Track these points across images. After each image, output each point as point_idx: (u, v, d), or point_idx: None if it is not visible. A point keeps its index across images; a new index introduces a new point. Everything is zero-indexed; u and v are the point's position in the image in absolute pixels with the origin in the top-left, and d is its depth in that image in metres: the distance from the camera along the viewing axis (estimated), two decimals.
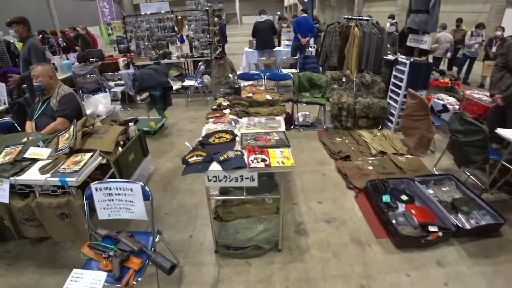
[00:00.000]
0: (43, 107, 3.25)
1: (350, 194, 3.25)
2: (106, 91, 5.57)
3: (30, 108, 3.58)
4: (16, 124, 3.65)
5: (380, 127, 4.75)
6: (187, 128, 5.08)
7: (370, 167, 3.61)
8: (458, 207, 3.04)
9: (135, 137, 3.34)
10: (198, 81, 6.17)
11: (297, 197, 3.19)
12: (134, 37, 7.01)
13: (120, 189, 1.89)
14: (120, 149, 2.95)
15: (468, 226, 2.81)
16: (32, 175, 2.25)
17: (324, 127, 4.73)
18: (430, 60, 6.48)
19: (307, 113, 4.93)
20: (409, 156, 3.97)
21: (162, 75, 4.51)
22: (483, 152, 3.14)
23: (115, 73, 6.40)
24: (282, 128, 2.62)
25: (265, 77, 5.11)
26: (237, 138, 2.38)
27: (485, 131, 3.04)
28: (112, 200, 1.92)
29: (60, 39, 9.91)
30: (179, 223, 2.89)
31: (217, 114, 2.85)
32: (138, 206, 1.90)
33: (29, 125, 3.27)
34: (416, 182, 3.25)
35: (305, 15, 7.44)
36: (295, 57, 7.10)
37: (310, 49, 8.25)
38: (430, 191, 3.31)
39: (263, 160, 2.02)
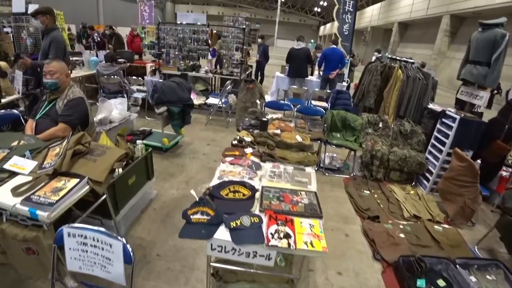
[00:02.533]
0: (48, 108, 2.95)
1: (376, 267, 2.72)
2: (124, 96, 5.28)
3: (36, 104, 3.31)
4: (22, 118, 3.38)
5: (413, 183, 4.22)
6: (202, 150, 4.69)
7: (402, 235, 3.08)
8: None
9: (140, 157, 2.96)
10: (223, 100, 5.83)
11: (314, 261, 2.68)
12: (166, 45, 6.81)
13: (98, 241, 1.47)
14: (120, 170, 2.58)
15: None
16: (2, 194, 1.87)
17: (352, 174, 4.23)
18: None
19: (334, 155, 4.46)
20: (447, 226, 3.41)
21: (185, 91, 4.17)
22: None
23: (139, 78, 6.16)
24: (314, 186, 2.17)
25: (295, 109, 4.69)
26: (257, 195, 1.92)
27: None
28: (87, 251, 1.51)
29: (96, 34, 9.96)
30: (171, 271, 2.43)
31: (237, 153, 2.43)
32: (116, 266, 1.47)
33: (30, 125, 2.97)
34: (457, 266, 2.70)
35: (334, 46, 7.08)
36: (328, 91, 6.70)
37: (344, 83, 7.85)
38: (473, 278, 2.74)
39: (287, 236, 1.57)
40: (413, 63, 5.53)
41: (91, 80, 6.71)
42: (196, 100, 6.89)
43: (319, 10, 42.27)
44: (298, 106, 4.74)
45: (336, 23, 8.48)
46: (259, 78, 9.96)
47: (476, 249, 3.21)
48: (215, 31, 7.69)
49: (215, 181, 2.06)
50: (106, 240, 1.46)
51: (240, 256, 1.60)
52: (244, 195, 1.84)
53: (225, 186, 1.89)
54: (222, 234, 1.58)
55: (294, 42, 7.13)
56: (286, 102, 5.58)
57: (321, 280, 2.51)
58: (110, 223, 2.62)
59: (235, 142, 2.64)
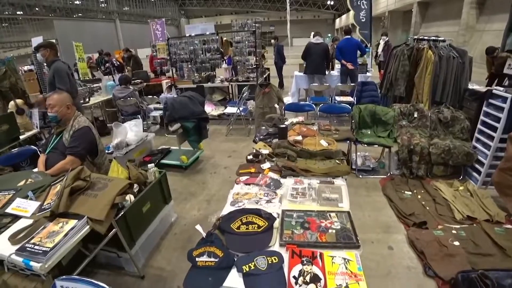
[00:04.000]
0: (56, 141, 2.87)
1: (429, 286, 2.31)
2: (139, 117, 5.18)
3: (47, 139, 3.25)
4: (39, 152, 3.33)
5: (461, 177, 3.70)
6: (223, 164, 4.43)
7: (456, 242, 2.61)
8: None
9: (153, 182, 2.75)
10: (241, 108, 5.57)
11: None
12: (177, 59, 6.70)
13: None
14: (129, 199, 2.37)
15: None
16: (1, 242, 1.72)
17: (389, 174, 3.78)
18: None
19: (367, 154, 4.03)
20: (510, 227, 2.90)
21: (197, 104, 3.94)
22: None
23: (154, 96, 6.07)
24: (346, 203, 1.81)
25: (318, 108, 4.32)
26: (276, 223, 1.59)
27: None
28: None
29: (114, 59, 10.16)
30: None
31: (253, 170, 2.13)
32: None
33: (41, 160, 2.90)
34: None
35: (348, 36, 6.61)
36: (351, 84, 6.25)
37: (368, 73, 7.33)
38: None
39: (315, 279, 1.24)
40: (444, 40, 4.98)
41: (111, 104, 6.73)
42: (215, 111, 6.70)
43: (332, 3, 41.38)
44: (321, 105, 4.36)
45: (351, 12, 8.01)
46: (278, 80, 9.65)
47: None
48: (225, 39, 7.49)
49: (227, 208, 1.77)
50: None
51: None
52: (259, 227, 1.52)
53: (237, 218, 1.59)
54: (234, 280, 1.28)
55: (312, 39, 6.76)
56: (307, 102, 5.22)
57: None
58: (126, 255, 2.43)
59: (250, 157, 2.35)
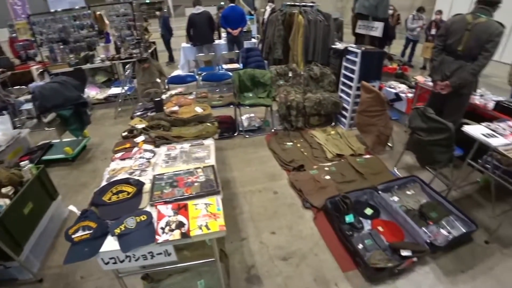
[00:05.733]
0: None
1: (308, 216, 2.75)
2: (4, 113, 4.53)
3: None
4: None
5: (333, 123, 4.32)
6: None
7: (328, 177, 3.14)
8: (427, 215, 2.68)
9: (31, 180, 2.55)
10: (127, 87, 5.32)
11: (246, 229, 2.62)
12: (46, 40, 5.92)
13: None
14: (4, 203, 2.19)
15: (441, 239, 2.46)
16: None
17: (273, 130, 4.18)
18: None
19: (252, 115, 4.35)
20: (368, 156, 3.58)
21: (71, 89, 3.63)
22: (448, 151, 2.80)
23: (23, 86, 5.34)
24: (212, 159, 2.01)
25: (201, 78, 4.42)
26: (147, 187, 1.72)
27: (451, 129, 2.68)
28: None
29: None
30: None
31: (128, 145, 2.16)
32: None
33: None
34: (379, 192, 2.84)
35: (232, 4, 6.79)
36: (236, 51, 6.47)
37: (253, 40, 7.65)
38: (395, 198, 2.92)
39: (180, 225, 1.41)
40: (312, 6, 5.48)
41: None
42: (100, 94, 6.25)
43: None
44: (203, 75, 4.48)
45: None
46: (168, 54, 9.32)
47: (396, 170, 3.42)
48: (99, 13, 6.82)
49: (103, 185, 1.80)
50: None
51: (138, 261, 1.43)
52: (129, 193, 1.63)
53: (107, 190, 1.66)
54: (111, 244, 1.38)
55: (193, 9, 6.65)
56: (191, 73, 5.24)
57: (256, 245, 2.47)
58: (16, 263, 2.26)
59: (125, 133, 2.37)
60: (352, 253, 2.33)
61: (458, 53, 2.94)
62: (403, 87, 4.70)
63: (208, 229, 1.41)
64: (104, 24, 6.92)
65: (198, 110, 2.57)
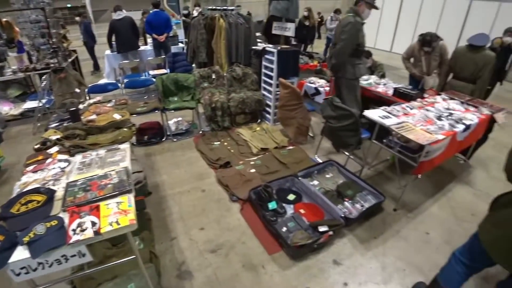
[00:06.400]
0: None
1: (235, 209, 2.86)
2: None
3: None
4: None
5: (259, 120, 4.52)
6: None
7: (253, 170, 3.29)
8: (343, 193, 2.96)
9: None
10: (44, 100, 4.96)
11: (175, 229, 2.64)
12: None
13: None
14: None
15: (355, 212, 2.74)
16: None
17: (201, 131, 4.24)
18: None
19: (180, 119, 4.36)
20: (291, 147, 3.82)
21: None
22: (356, 134, 3.12)
23: None
24: (127, 161, 2.02)
25: (123, 86, 4.32)
26: (59, 194, 1.68)
27: (355, 114, 3.00)
28: None
29: None
30: None
31: (40, 157, 2.07)
32: None
33: None
34: (299, 178, 3.06)
35: (156, 9, 6.75)
36: (163, 56, 6.41)
37: (181, 44, 7.64)
38: (316, 182, 3.17)
39: (91, 225, 1.42)
40: (232, 10, 5.65)
41: None
42: (14, 109, 5.73)
43: None
44: (125, 82, 4.38)
45: None
46: (93, 62, 8.81)
47: (317, 157, 3.70)
48: (5, 19, 6.21)
49: None
50: None
51: (52, 267, 1.40)
52: (38, 202, 1.58)
53: (15, 202, 1.59)
54: (21, 254, 1.34)
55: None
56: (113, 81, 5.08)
57: (186, 242, 2.51)
58: None
59: (37, 146, 2.26)
60: (276, 236, 2.48)
61: (335, 45, 3.59)
62: (322, 81, 5.07)
63: (118, 224, 1.44)
64: (14, 32, 6.33)
65: (117, 116, 2.54)
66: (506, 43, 4.76)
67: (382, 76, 5.10)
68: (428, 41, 4.17)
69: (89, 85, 4.07)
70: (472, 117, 3.21)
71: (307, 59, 6.40)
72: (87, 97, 3.92)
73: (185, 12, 9.89)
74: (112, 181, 1.73)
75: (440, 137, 2.72)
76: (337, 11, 8.67)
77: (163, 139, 4.04)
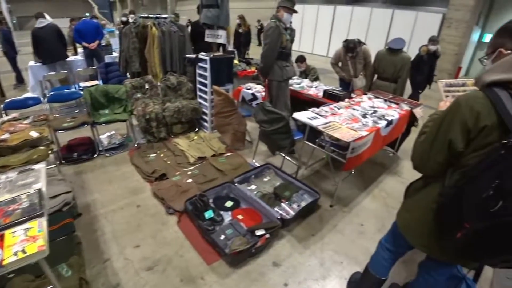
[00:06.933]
0: None
1: (172, 222, 2.79)
2: None
3: None
4: None
5: (197, 129, 4.47)
6: None
7: (190, 180, 3.24)
8: (280, 195, 3.04)
9: None
10: None
11: (108, 250, 2.50)
12: None
13: None
14: None
15: (292, 212, 2.82)
16: None
17: (136, 144, 4.07)
18: None
19: (113, 132, 4.15)
20: (229, 154, 3.83)
21: None
22: (288, 137, 3.22)
23: None
24: (41, 183, 1.87)
25: (46, 100, 4.00)
26: None
27: (285, 117, 3.10)
28: None
29: None
30: None
31: None
32: None
33: None
34: (236, 184, 3.07)
35: (85, 18, 6.43)
36: (94, 67, 6.08)
37: (115, 53, 7.30)
38: (253, 186, 3.22)
39: None
40: (165, 18, 5.54)
41: None
42: None
43: None
44: (49, 95, 4.07)
45: None
46: (15, 74, 7.94)
47: (254, 162, 3.75)
48: None
49: None
50: None
51: None
52: None
53: None
54: None
55: (36, 23, 5.90)
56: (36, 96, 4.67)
57: (120, 263, 2.39)
58: None
59: None
60: (214, 245, 2.46)
61: None
62: (258, 87, 5.17)
63: (25, 253, 1.33)
64: None
65: (34, 134, 2.35)
66: (431, 51, 5.23)
67: (316, 79, 5.36)
68: (351, 48, 4.49)
69: (6, 101, 3.69)
70: (394, 113, 3.50)
71: (244, 65, 6.48)
72: (3, 114, 3.56)
73: (124, 19, 9.53)
74: (21, 206, 1.59)
75: (364, 133, 2.92)
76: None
77: (95, 155, 3.81)
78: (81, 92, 4.06)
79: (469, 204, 1.13)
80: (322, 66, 9.54)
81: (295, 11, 3.68)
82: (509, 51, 1.18)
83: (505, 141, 1.04)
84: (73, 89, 4.92)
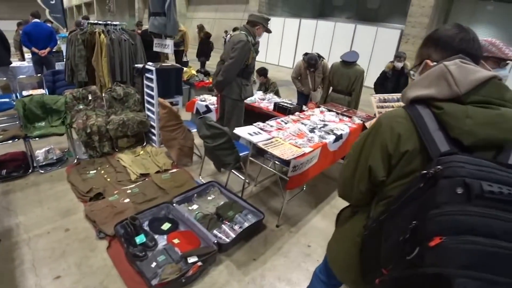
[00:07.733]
0: None
1: (102, 247, 2.59)
2: None
3: None
4: None
5: (145, 143, 4.28)
6: None
7: (127, 200, 3.05)
8: (223, 215, 2.93)
9: None
10: None
11: (23, 283, 2.25)
12: None
13: None
14: None
15: (233, 235, 2.69)
16: None
17: (76, 160, 3.81)
18: None
19: (51, 147, 3.87)
20: (175, 170, 3.68)
21: None
22: (232, 153, 3.12)
23: None
24: None
25: None
26: None
27: (227, 133, 3.00)
28: None
29: None
30: None
31: None
32: None
33: None
34: (174, 204, 2.92)
35: (37, 20, 6.07)
36: (39, 75, 5.72)
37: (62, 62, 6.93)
38: (195, 206, 3.09)
39: None
40: (116, 25, 5.32)
41: None
42: None
43: None
44: None
45: None
46: None
47: (201, 179, 3.62)
48: None
49: None
50: None
51: None
52: None
53: None
54: None
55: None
56: None
57: None
58: None
59: None
60: (141, 274, 2.30)
61: (223, 61, 3.61)
62: (213, 99, 5.05)
63: None
64: None
65: None
66: (397, 68, 5.20)
67: (275, 93, 5.32)
68: (312, 64, 4.55)
69: None
70: (344, 127, 3.49)
71: (202, 76, 6.37)
72: None
73: (79, 23, 9.13)
74: None
75: (308, 150, 2.86)
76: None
77: (29, 172, 3.53)
78: (13, 103, 3.76)
79: (386, 246, 0.96)
80: (287, 78, 9.60)
81: (270, 31, 3.67)
82: (435, 63, 1.05)
83: (425, 172, 0.84)
84: (4, 99, 4.57)
